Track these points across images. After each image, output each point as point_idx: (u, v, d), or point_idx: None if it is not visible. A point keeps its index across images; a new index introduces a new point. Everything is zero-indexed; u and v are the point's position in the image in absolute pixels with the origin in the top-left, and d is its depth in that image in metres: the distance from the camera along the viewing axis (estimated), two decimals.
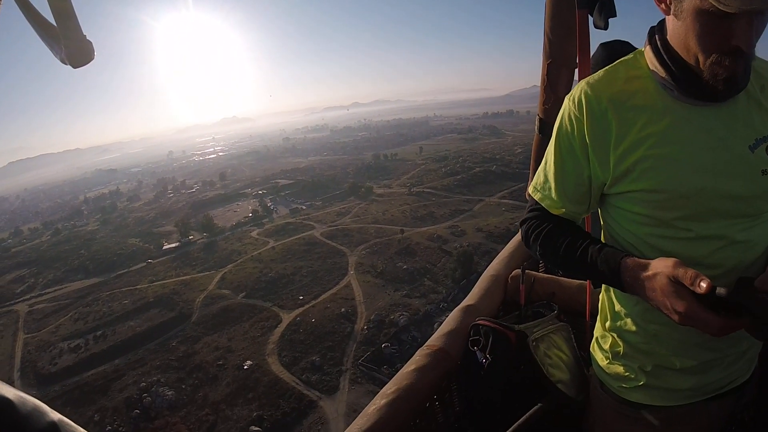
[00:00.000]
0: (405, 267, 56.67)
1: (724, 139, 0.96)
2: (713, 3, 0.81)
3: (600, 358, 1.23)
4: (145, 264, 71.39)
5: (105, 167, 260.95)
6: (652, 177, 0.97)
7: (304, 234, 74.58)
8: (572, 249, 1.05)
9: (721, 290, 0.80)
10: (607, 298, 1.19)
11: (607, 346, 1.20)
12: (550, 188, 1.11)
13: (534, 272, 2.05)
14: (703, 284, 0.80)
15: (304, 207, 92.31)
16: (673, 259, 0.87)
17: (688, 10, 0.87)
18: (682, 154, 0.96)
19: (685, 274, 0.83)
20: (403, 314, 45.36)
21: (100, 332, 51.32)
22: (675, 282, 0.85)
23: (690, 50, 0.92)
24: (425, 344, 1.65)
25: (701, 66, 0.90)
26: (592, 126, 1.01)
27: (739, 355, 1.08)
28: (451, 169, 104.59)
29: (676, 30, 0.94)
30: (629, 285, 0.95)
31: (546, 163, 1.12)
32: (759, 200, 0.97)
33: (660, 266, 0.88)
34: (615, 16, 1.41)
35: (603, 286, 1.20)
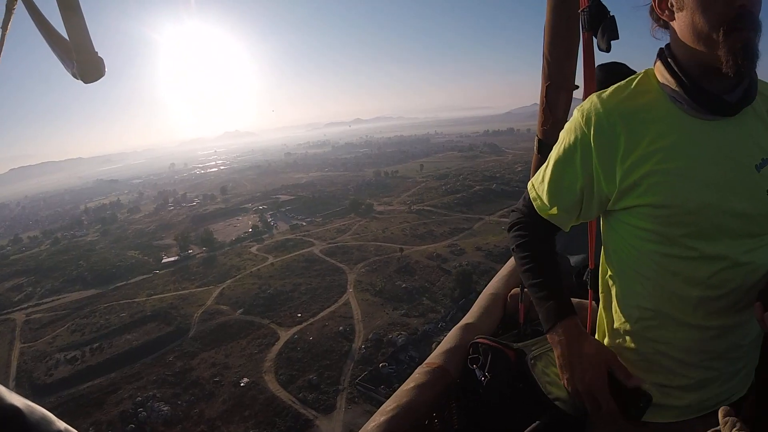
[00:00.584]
0: (404, 285, 56.45)
1: (731, 155, 0.97)
2: None
3: None
4: (144, 277, 71.21)
5: (106, 177, 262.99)
6: (659, 192, 0.97)
7: (303, 250, 74.50)
8: (534, 275, 1.16)
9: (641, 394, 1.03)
10: (606, 315, 1.20)
11: None
12: (543, 189, 1.15)
13: None
14: (633, 382, 1.03)
15: (304, 223, 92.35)
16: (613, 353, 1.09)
17: None
18: (690, 169, 0.96)
19: (621, 369, 1.05)
20: (401, 333, 45.05)
21: (96, 344, 51.00)
22: (608, 368, 1.05)
23: (701, 34, 0.93)
24: (425, 362, 1.65)
25: (718, 43, 0.91)
26: (599, 139, 1.02)
27: (735, 372, 1.09)
28: (452, 187, 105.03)
29: (683, 26, 0.96)
30: (557, 339, 1.11)
31: (546, 166, 1.15)
32: (764, 220, 0.98)
33: (604, 350, 1.09)
34: (617, 38, 1.45)
35: (602, 303, 1.22)
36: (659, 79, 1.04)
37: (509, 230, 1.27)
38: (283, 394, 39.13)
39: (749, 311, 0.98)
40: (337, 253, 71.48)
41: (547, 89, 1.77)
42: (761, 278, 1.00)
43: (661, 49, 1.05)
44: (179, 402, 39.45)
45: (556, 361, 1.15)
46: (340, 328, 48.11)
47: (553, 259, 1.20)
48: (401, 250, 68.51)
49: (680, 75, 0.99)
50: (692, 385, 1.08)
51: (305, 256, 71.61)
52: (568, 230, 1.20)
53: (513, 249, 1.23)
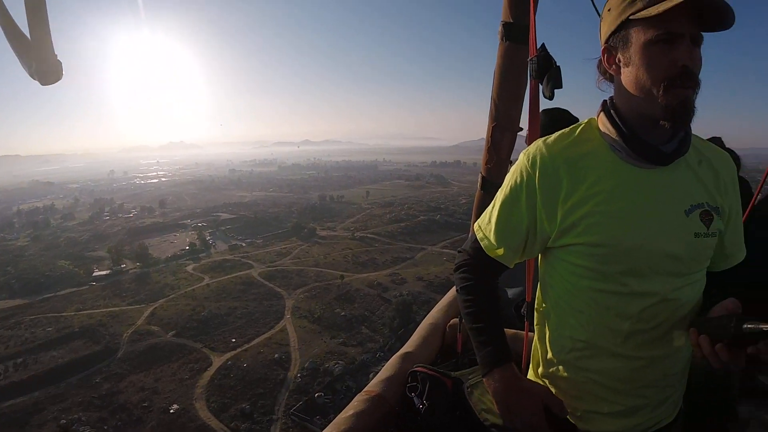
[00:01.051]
0: (343, 314, 55.91)
1: (664, 201, 1.06)
2: (656, 26, 0.97)
3: None
4: (74, 290, 66.74)
5: (43, 179, 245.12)
6: (596, 232, 1.05)
7: (241, 273, 72.45)
8: (476, 319, 1.22)
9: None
10: (540, 346, 1.26)
11: None
12: (491, 230, 1.20)
13: None
14: (563, 412, 1.13)
15: (243, 244, 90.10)
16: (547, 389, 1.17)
17: (635, 50, 1.01)
18: (626, 212, 1.05)
19: (555, 403, 1.13)
20: (338, 363, 44.39)
21: (21, 359, 47.49)
22: (543, 403, 1.13)
23: (644, 89, 1.01)
24: (363, 390, 1.65)
25: (659, 98, 0.99)
26: (543, 182, 1.09)
27: (664, 399, 1.16)
28: (396, 215, 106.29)
29: (627, 79, 1.04)
30: (494, 385, 1.17)
31: (493, 207, 1.22)
32: (692, 261, 1.07)
33: (538, 388, 1.17)
34: (561, 87, 1.57)
35: (537, 335, 1.28)
36: (601, 128, 1.12)
37: (455, 271, 1.31)
38: (214, 423, 37.40)
39: (674, 344, 1.09)
40: (277, 277, 70.03)
41: (493, 130, 1.86)
42: (687, 312, 1.09)
43: (604, 101, 1.14)
44: (105, 427, 37.14)
45: (494, 404, 1.20)
46: (276, 355, 46.80)
47: (495, 304, 1.26)
48: (342, 277, 68.06)
49: (621, 126, 1.07)
50: (623, 411, 1.13)
51: (243, 278, 69.60)
52: (512, 267, 1.24)
53: (458, 290, 1.28)
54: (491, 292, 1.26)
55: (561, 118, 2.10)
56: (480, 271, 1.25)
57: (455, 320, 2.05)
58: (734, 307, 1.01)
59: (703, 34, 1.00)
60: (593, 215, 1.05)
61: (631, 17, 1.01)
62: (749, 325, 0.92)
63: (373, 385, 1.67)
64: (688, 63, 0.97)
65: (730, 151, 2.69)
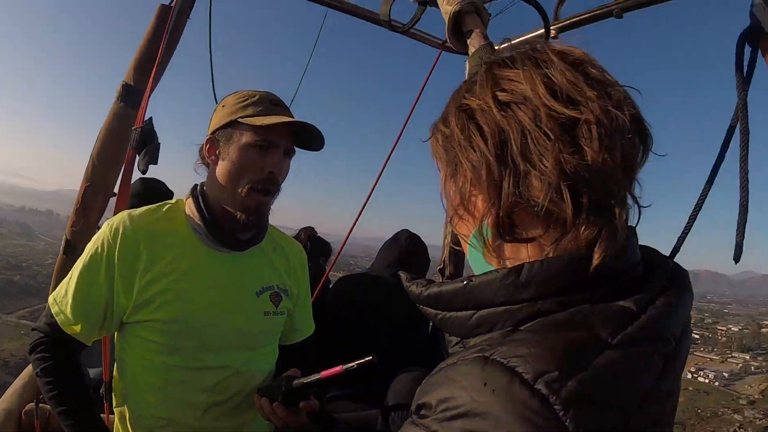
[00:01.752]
0: None
1: (237, 283, 1.19)
2: (258, 133, 1.13)
3: None
4: None
5: None
6: (170, 308, 1.10)
7: None
8: (61, 401, 1.12)
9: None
10: (121, 427, 1.21)
11: None
12: (67, 303, 1.12)
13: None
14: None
15: None
16: None
17: (235, 148, 1.14)
18: (199, 291, 1.13)
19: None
20: None
21: None
22: None
23: (232, 183, 1.15)
24: None
25: (241, 196, 1.14)
26: (123, 254, 1.10)
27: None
28: None
29: (220, 171, 1.17)
30: None
31: (70, 278, 1.14)
32: (260, 336, 1.22)
33: None
34: (156, 164, 1.63)
35: (117, 416, 1.21)
36: (187, 210, 1.21)
37: (31, 352, 1.17)
38: None
39: (252, 411, 1.18)
40: None
41: (85, 189, 1.76)
42: (259, 383, 1.21)
43: (195, 185, 1.24)
44: None
45: None
46: None
47: (80, 383, 1.17)
48: None
49: (204, 211, 1.17)
50: None
51: None
52: (90, 344, 1.17)
53: (37, 374, 1.14)
54: (74, 370, 1.17)
55: (158, 189, 2.15)
56: (58, 350, 1.16)
57: (31, 405, 1.80)
58: (294, 372, 1.16)
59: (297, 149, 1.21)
60: (168, 292, 1.10)
61: (239, 119, 1.14)
62: (297, 382, 1.06)
63: None
64: (275, 170, 1.14)
65: (320, 239, 3.33)
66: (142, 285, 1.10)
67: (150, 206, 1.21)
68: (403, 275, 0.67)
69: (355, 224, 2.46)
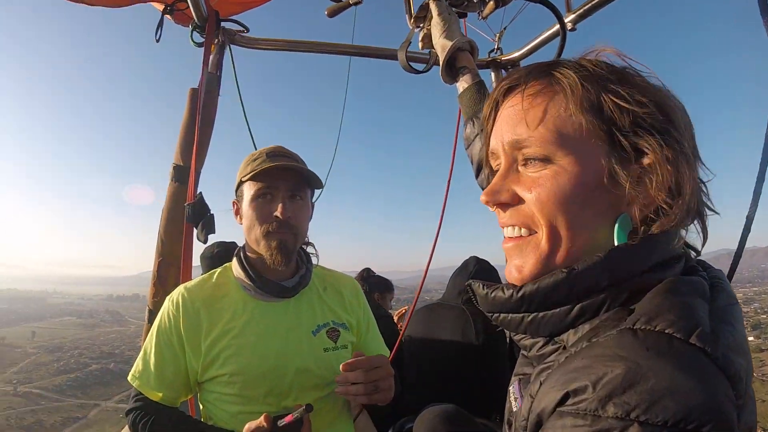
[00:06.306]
0: None
1: (291, 327, 1.28)
2: (257, 184, 1.24)
3: None
4: None
5: None
6: (234, 362, 1.20)
7: None
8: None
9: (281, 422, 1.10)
10: None
11: None
12: (149, 376, 1.24)
13: None
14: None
15: None
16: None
17: (246, 204, 1.27)
18: (257, 341, 1.22)
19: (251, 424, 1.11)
20: None
21: None
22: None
23: (254, 236, 1.26)
24: None
25: (262, 241, 1.25)
26: (186, 322, 1.23)
27: None
28: (66, 364, 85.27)
29: (245, 229, 1.29)
30: None
31: (146, 353, 1.27)
32: (325, 372, 1.26)
33: None
34: (214, 233, 1.76)
35: None
36: (234, 273, 1.34)
37: (127, 414, 1.26)
38: None
39: None
40: None
41: (159, 264, 1.92)
42: (333, 419, 1.29)
43: (238, 248, 1.37)
44: None
45: None
46: None
47: (187, 419, 1.25)
48: None
49: (247, 268, 1.29)
50: None
51: None
52: (178, 405, 1.28)
53: (140, 427, 1.21)
54: (176, 413, 1.25)
55: (233, 250, 2.32)
56: (155, 410, 1.23)
57: None
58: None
59: None
60: (230, 348, 1.20)
61: (242, 179, 1.28)
62: (280, 422, 1.09)
63: None
64: (280, 215, 1.23)
65: (374, 278, 3.35)
66: (207, 346, 1.22)
67: (203, 276, 1.36)
68: (475, 284, 0.67)
69: (430, 262, 2.27)
